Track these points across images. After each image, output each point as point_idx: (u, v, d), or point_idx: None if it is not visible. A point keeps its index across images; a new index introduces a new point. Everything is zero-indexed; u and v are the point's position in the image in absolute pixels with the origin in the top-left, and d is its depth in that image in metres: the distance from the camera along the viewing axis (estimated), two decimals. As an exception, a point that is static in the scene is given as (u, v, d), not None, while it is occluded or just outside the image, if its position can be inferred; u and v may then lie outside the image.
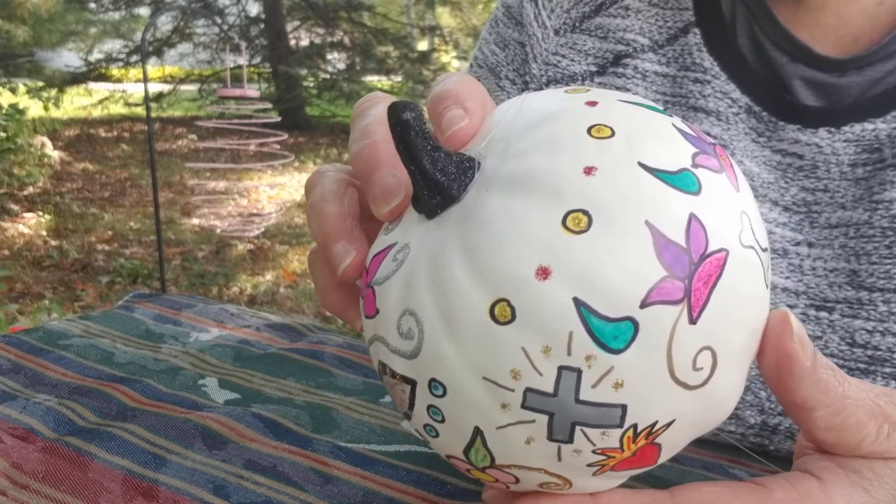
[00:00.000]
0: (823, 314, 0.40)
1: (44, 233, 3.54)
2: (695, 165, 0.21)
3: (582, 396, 0.19)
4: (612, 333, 0.19)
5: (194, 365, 0.50)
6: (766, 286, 0.22)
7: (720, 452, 0.42)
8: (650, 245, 0.19)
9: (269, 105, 5.56)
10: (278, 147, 3.72)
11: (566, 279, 0.19)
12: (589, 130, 0.21)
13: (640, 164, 0.20)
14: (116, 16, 6.97)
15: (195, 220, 3.74)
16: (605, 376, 0.19)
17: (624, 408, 0.20)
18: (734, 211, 0.21)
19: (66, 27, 6.09)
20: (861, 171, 0.40)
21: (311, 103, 7.14)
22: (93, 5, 6.78)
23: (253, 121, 3.45)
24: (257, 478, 0.37)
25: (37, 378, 0.47)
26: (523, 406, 0.20)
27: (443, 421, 0.22)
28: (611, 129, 0.21)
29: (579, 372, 0.19)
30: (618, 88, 0.46)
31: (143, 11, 7.03)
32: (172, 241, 3.42)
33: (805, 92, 0.42)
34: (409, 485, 0.37)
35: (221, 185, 4.19)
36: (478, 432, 0.21)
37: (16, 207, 3.92)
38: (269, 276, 3.02)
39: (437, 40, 7.71)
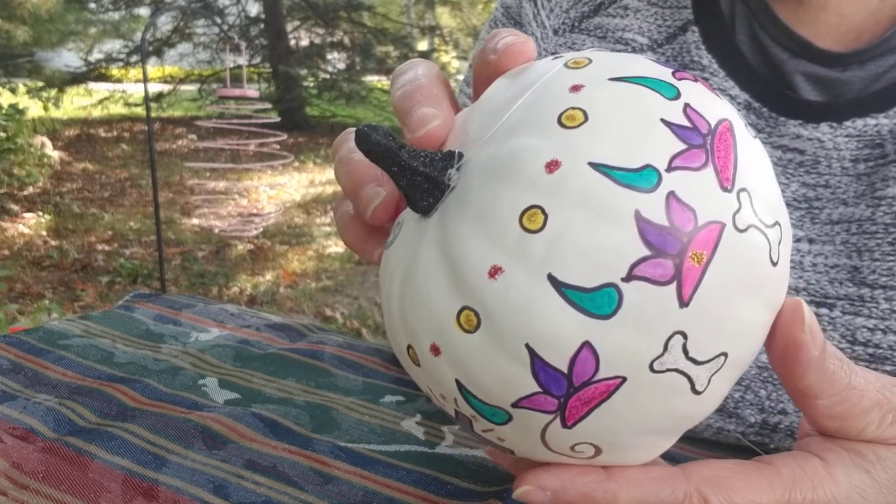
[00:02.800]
0: (824, 311, 0.40)
1: (44, 233, 3.54)
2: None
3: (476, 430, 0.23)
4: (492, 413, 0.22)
5: (194, 365, 0.50)
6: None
7: (721, 452, 0.42)
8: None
9: (268, 105, 5.56)
10: (278, 147, 3.72)
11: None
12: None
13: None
14: (116, 16, 6.97)
15: (195, 220, 3.74)
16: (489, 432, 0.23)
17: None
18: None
19: (65, 27, 6.09)
20: (863, 167, 0.40)
21: (310, 103, 7.14)
22: (93, 5, 6.78)
23: (253, 121, 3.45)
24: (257, 478, 0.37)
25: (37, 378, 0.47)
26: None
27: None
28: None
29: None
30: None
31: (143, 11, 7.02)
32: (172, 241, 3.42)
33: (807, 87, 0.42)
34: (408, 485, 0.37)
35: (221, 185, 4.19)
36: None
37: (16, 207, 3.92)
38: (268, 276, 3.02)
39: (437, 40, 7.71)
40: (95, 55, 7.03)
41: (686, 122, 0.20)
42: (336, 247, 3.41)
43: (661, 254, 0.19)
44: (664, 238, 0.19)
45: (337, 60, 7.32)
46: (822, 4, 0.41)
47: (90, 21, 6.74)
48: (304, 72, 6.79)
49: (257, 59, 6.95)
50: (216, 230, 3.32)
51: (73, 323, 0.56)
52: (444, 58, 7.34)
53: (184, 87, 7.51)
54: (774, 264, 0.21)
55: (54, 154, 4.95)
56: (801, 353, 0.22)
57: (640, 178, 0.19)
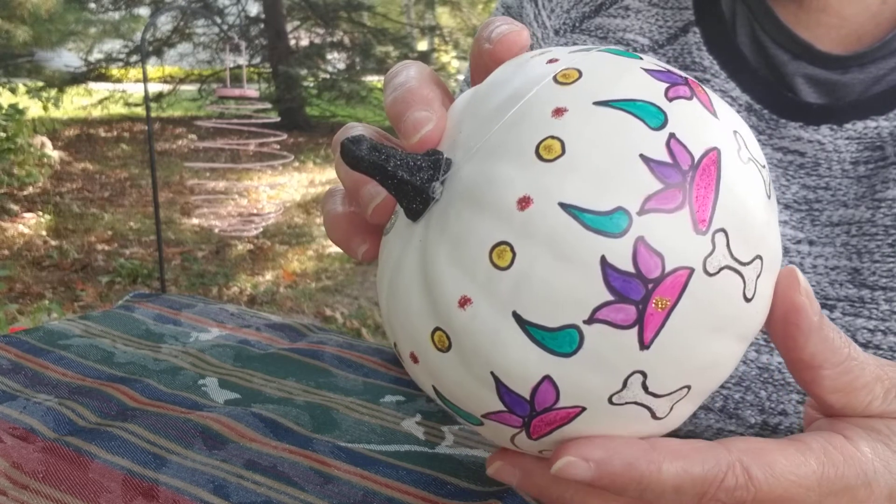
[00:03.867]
0: (825, 312, 0.40)
1: (44, 233, 3.54)
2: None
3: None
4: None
5: (194, 365, 0.50)
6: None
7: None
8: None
9: (268, 105, 5.56)
10: (278, 147, 3.72)
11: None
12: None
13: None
14: (116, 16, 6.97)
15: (195, 220, 3.74)
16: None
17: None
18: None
19: (65, 27, 6.09)
20: (863, 169, 0.40)
21: (310, 103, 7.14)
22: (92, 5, 6.78)
23: (252, 121, 3.45)
24: (257, 478, 0.37)
25: (37, 378, 0.47)
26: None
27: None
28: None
29: None
30: None
31: (143, 11, 7.02)
32: (172, 240, 3.42)
33: (807, 89, 0.42)
34: (408, 485, 0.37)
35: (221, 184, 4.19)
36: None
37: (15, 207, 3.92)
38: (268, 276, 3.02)
39: (436, 40, 7.71)
40: (95, 55, 7.03)
41: (667, 158, 0.20)
42: (336, 247, 3.41)
43: (624, 300, 0.19)
44: (628, 284, 0.19)
45: (337, 60, 7.32)
46: (822, 6, 0.41)
47: (90, 21, 6.74)
48: (303, 72, 6.79)
49: (257, 59, 6.96)
50: (216, 230, 3.32)
51: (73, 323, 0.56)
52: (444, 58, 7.34)
53: (184, 87, 7.51)
54: (749, 300, 0.21)
55: (54, 154, 4.95)
56: (800, 318, 0.22)
57: (609, 221, 0.19)
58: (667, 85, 0.21)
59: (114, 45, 7.06)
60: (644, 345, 0.20)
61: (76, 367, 0.49)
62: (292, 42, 7.13)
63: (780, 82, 0.42)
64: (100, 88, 7.23)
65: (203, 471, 0.37)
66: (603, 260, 0.19)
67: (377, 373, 0.51)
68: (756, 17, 0.43)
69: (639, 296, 0.19)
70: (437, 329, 0.21)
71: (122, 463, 0.37)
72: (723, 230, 0.20)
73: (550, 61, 0.23)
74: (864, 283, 0.39)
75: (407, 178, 0.22)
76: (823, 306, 0.40)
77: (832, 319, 0.40)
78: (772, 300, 0.23)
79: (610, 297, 0.19)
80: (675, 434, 0.24)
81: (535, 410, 0.21)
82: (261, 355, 0.52)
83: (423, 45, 7.88)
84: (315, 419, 0.43)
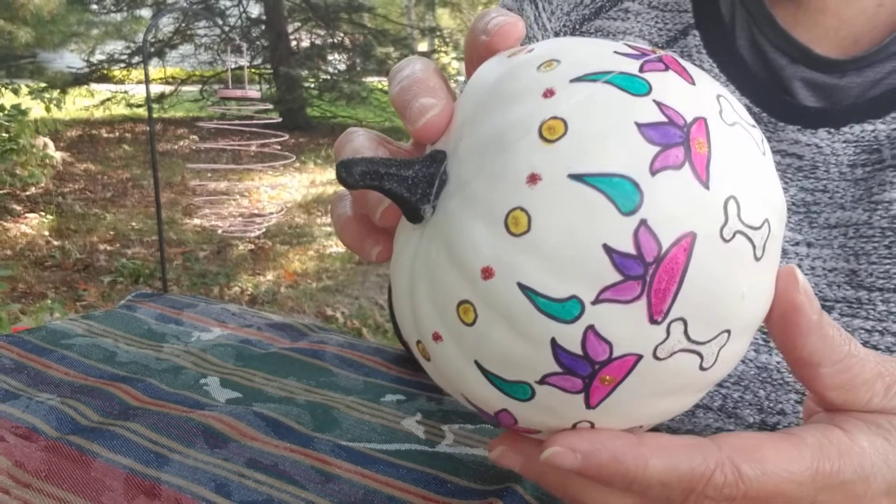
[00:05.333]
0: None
1: (46, 233, 3.54)
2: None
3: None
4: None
5: (196, 364, 0.50)
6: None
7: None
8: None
9: (270, 106, 5.56)
10: (279, 148, 3.73)
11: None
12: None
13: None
14: (118, 17, 6.97)
15: (196, 221, 3.74)
16: None
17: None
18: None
19: (68, 28, 6.09)
20: (860, 172, 0.40)
21: (311, 104, 7.14)
22: (95, 7, 6.78)
23: (254, 121, 3.45)
24: (259, 476, 0.37)
25: (39, 377, 0.47)
26: None
27: None
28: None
29: None
30: None
31: (145, 13, 7.03)
32: (174, 241, 3.43)
33: (805, 93, 0.42)
34: (409, 483, 0.37)
35: (223, 185, 4.19)
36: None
37: (18, 208, 3.92)
38: (270, 276, 3.02)
39: (437, 41, 7.71)
40: (97, 56, 7.03)
41: (631, 250, 0.19)
42: (337, 247, 3.41)
43: (571, 373, 0.20)
44: (575, 363, 0.20)
45: (338, 61, 7.32)
46: (820, 8, 0.42)
47: (92, 22, 6.74)
48: (304, 73, 6.79)
49: (258, 61, 6.96)
50: (218, 230, 3.33)
51: (75, 322, 0.56)
52: (445, 59, 7.34)
53: (185, 88, 7.51)
54: (705, 370, 0.21)
55: (56, 155, 4.96)
56: (799, 316, 0.22)
57: (562, 308, 0.20)
58: (658, 149, 0.20)
59: (116, 47, 7.07)
60: (590, 406, 0.21)
61: (78, 366, 0.49)
62: (293, 43, 7.13)
63: (778, 86, 0.43)
64: (102, 89, 7.24)
65: (205, 469, 0.37)
66: (553, 341, 0.20)
67: (378, 372, 0.51)
68: (755, 20, 0.43)
69: (585, 372, 0.20)
70: (419, 342, 0.23)
71: (124, 462, 0.37)
72: (681, 319, 0.20)
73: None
74: (861, 284, 0.39)
75: (402, 196, 0.22)
76: (821, 307, 0.40)
77: None
78: (772, 302, 0.23)
79: (559, 369, 0.20)
80: (673, 433, 0.24)
81: (500, 424, 0.24)
82: (262, 355, 0.52)
83: (423, 47, 7.88)
84: (316, 418, 0.43)
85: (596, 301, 0.19)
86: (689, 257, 0.19)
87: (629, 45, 0.23)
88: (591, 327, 0.20)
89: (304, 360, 0.52)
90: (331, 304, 2.71)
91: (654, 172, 0.19)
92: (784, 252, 0.42)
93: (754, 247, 0.21)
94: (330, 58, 7.22)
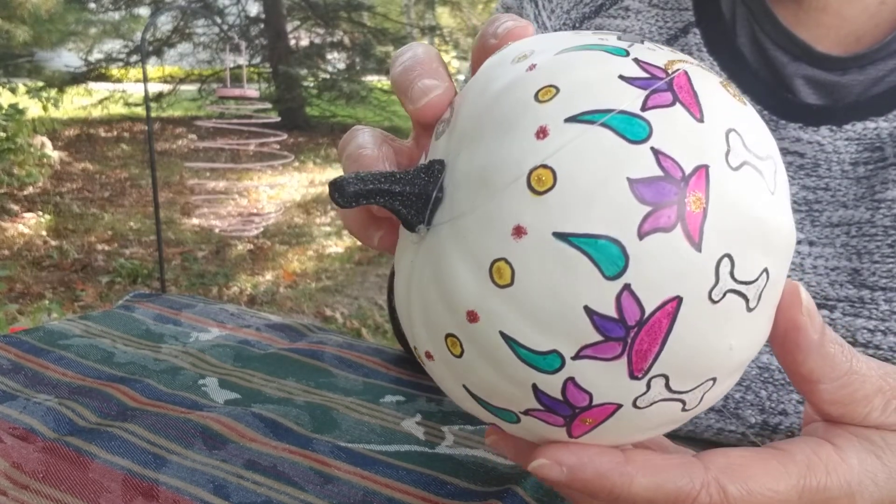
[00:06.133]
0: (825, 313, 0.40)
1: (44, 233, 3.54)
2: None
3: None
4: None
5: (194, 365, 0.50)
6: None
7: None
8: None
9: (268, 105, 5.56)
10: (278, 147, 3.72)
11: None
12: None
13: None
14: (116, 16, 6.96)
15: (195, 220, 3.74)
16: None
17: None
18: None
19: (65, 27, 6.08)
20: (862, 170, 0.40)
21: (310, 103, 7.14)
22: (93, 5, 6.77)
23: (253, 121, 3.45)
24: (257, 478, 0.37)
25: (37, 378, 0.47)
26: None
27: None
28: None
29: None
30: None
31: (143, 11, 7.02)
32: (172, 240, 3.42)
33: (807, 91, 0.42)
34: (408, 485, 0.37)
35: (221, 184, 4.19)
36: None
37: (16, 207, 3.92)
38: (268, 276, 3.02)
39: (437, 40, 7.71)
40: (95, 55, 7.03)
41: (612, 313, 0.19)
42: (336, 247, 3.41)
43: (553, 412, 0.21)
44: (557, 405, 0.21)
45: (337, 60, 7.32)
46: (822, 6, 0.41)
47: (90, 21, 6.74)
48: (304, 72, 6.79)
49: (257, 59, 6.95)
50: (216, 230, 3.32)
51: (73, 323, 0.56)
52: (445, 58, 7.31)
53: (184, 87, 7.50)
54: (688, 411, 0.22)
55: (54, 154, 4.95)
56: (800, 336, 0.22)
57: (542, 360, 0.20)
58: (648, 209, 0.19)
59: (114, 45, 7.06)
60: (572, 436, 0.22)
61: (76, 367, 0.49)
62: (292, 42, 7.13)
63: (779, 84, 0.43)
64: (100, 88, 7.23)
65: (203, 471, 0.37)
66: (535, 385, 0.21)
67: (377, 373, 0.51)
68: (756, 18, 0.43)
69: (566, 413, 0.21)
70: (415, 347, 0.24)
71: (122, 463, 0.37)
72: (663, 375, 0.20)
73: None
74: (863, 283, 0.39)
75: (403, 211, 0.22)
76: (823, 307, 0.40)
77: (832, 320, 0.40)
78: (775, 318, 0.22)
79: (540, 407, 0.21)
80: (675, 434, 0.24)
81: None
82: (261, 355, 0.52)
83: (423, 46, 7.85)
84: (315, 419, 0.43)
85: (576, 356, 0.20)
86: (672, 321, 0.19)
87: (639, 64, 0.21)
88: (571, 379, 0.20)
89: (303, 360, 0.52)
90: (330, 305, 2.71)
91: (642, 236, 0.19)
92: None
93: (747, 301, 0.20)
94: (329, 57, 7.22)
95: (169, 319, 0.58)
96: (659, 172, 0.19)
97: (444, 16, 8.66)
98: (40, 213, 3.87)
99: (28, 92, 6.30)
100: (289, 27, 7.03)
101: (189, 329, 0.57)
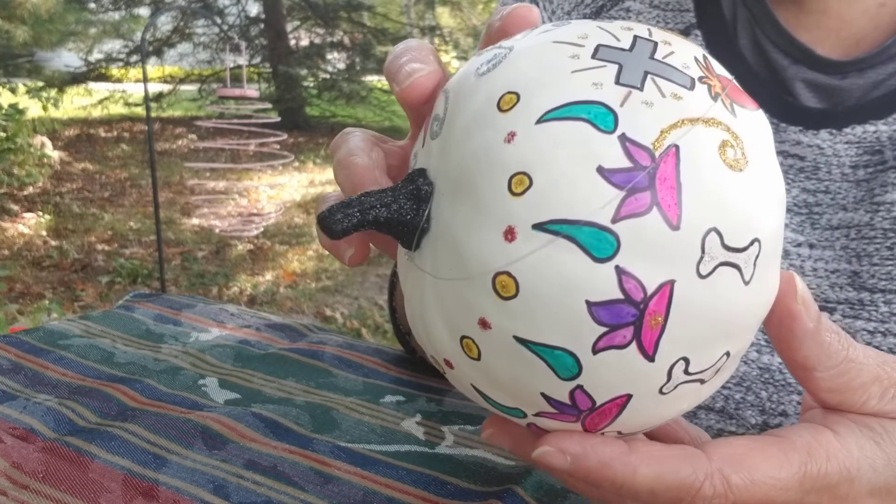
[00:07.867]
0: (824, 315, 0.40)
1: (44, 233, 3.54)
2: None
3: None
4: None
5: (194, 365, 0.50)
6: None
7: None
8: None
9: (268, 105, 5.56)
10: (278, 147, 3.72)
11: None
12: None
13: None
14: (116, 16, 6.96)
15: (195, 220, 3.74)
16: None
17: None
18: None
19: (65, 27, 6.08)
20: (862, 173, 0.40)
21: (310, 103, 7.13)
22: (92, 5, 6.77)
23: (253, 121, 3.45)
24: (257, 478, 0.37)
25: (37, 378, 0.47)
26: None
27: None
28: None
29: None
30: None
31: (143, 11, 7.02)
32: (172, 241, 3.42)
33: (807, 94, 0.42)
34: (408, 485, 0.37)
35: (221, 185, 4.19)
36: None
37: (15, 207, 3.92)
38: (268, 276, 3.02)
39: (437, 40, 7.71)
40: (95, 55, 7.02)
41: (566, 400, 0.21)
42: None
43: (561, 416, 0.22)
44: (564, 407, 0.22)
45: (337, 60, 7.31)
46: (822, 8, 0.41)
47: (90, 21, 6.73)
48: (304, 72, 6.79)
49: (257, 59, 6.95)
50: (216, 230, 3.32)
51: (73, 323, 0.56)
52: (444, 58, 7.33)
53: (184, 87, 7.50)
54: (704, 382, 0.23)
55: (54, 154, 4.95)
56: (795, 324, 0.23)
57: (510, 412, 0.23)
58: (604, 329, 0.19)
59: (114, 46, 7.05)
60: (586, 430, 0.23)
61: (76, 367, 0.49)
62: (292, 42, 7.13)
63: (779, 86, 0.43)
64: (100, 88, 7.22)
65: (203, 471, 0.37)
66: (544, 394, 0.21)
67: (377, 373, 0.51)
68: (757, 20, 0.43)
69: (573, 417, 0.22)
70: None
71: (122, 463, 0.37)
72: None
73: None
74: (863, 285, 0.39)
75: (391, 227, 0.23)
76: (823, 309, 0.40)
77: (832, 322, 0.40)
78: (771, 304, 0.23)
79: (551, 410, 0.22)
80: None
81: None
82: (261, 355, 0.52)
83: (423, 46, 7.84)
84: (315, 419, 0.43)
85: (536, 416, 0.22)
86: (620, 410, 0.21)
87: (624, 145, 0.19)
88: (532, 424, 0.23)
89: (303, 360, 0.52)
90: (330, 305, 2.71)
91: (596, 351, 0.20)
92: (786, 253, 0.41)
93: (703, 382, 0.22)
94: (329, 57, 7.22)
95: (169, 319, 0.58)
96: (619, 296, 0.19)
97: (444, 16, 8.66)
98: (40, 213, 3.87)
99: (28, 92, 6.30)
100: (289, 27, 7.03)
101: (189, 329, 0.57)
